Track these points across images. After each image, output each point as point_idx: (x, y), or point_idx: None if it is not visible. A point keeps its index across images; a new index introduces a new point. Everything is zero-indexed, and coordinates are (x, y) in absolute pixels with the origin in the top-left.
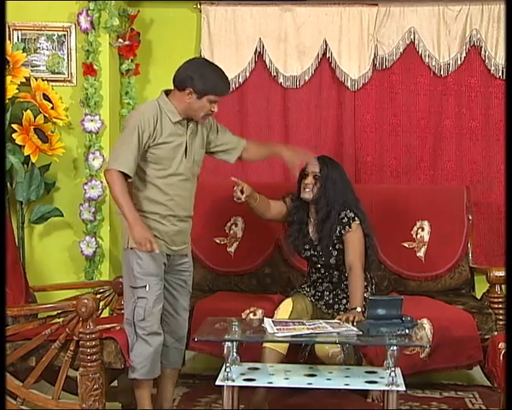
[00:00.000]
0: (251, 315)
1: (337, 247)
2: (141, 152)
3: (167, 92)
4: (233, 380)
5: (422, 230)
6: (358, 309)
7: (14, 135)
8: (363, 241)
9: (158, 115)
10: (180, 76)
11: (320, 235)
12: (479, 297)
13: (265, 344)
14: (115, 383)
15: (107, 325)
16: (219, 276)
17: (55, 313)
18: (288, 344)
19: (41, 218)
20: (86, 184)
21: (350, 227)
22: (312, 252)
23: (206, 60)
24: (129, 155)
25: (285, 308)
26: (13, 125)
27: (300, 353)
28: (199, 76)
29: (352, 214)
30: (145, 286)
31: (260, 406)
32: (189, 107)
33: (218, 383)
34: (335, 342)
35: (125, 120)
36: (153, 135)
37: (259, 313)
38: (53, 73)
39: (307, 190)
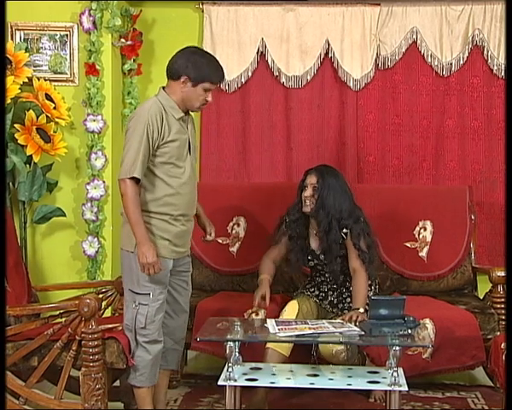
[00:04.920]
0: (253, 315)
1: (341, 253)
2: (152, 152)
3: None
4: (235, 380)
5: (425, 230)
6: (361, 310)
7: (16, 135)
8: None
9: (163, 113)
10: (174, 65)
11: (324, 246)
12: (481, 297)
13: (268, 345)
14: (117, 383)
15: (110, 325)
16: (221, 276)
17: (57, 312)
18: (291, 346)
19: (43, 218)
20: (88, 183)
21: (358, 239)
22: (316, 262)
23: (199, 48)
24: (142, 162)
25: (291, 310)
26: (15, 125)
27: (312, 355)
28: (193, 63)
29: (348, 222)
30: (149, 294)
31: (260, 406)
32: (185, 96)
33: (220, 383)
34: (338, 342)
35: (128, 122)
36: (161, 133)
37: (262, 312)
38: (55, 72)
39: (307, 202)
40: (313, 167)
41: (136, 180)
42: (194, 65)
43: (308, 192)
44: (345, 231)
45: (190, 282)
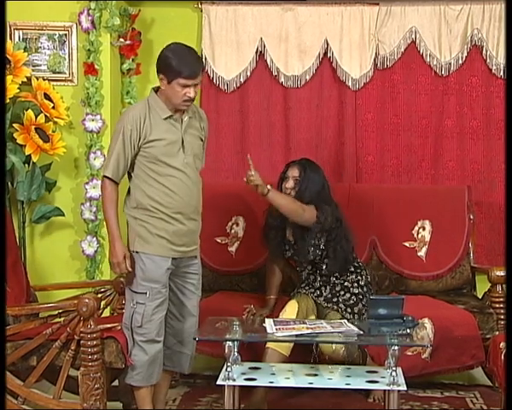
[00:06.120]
0: (250, 315)
1: (312, 242)
2: (132, 153)
3: (157, 89)
4: (234, 380)
5: (424, 229)
6: (269, 187)
7: (15, 134)
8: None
9: (146, 113)
10: (156, 64)
11: (297, 235)
12: (480, 297)
13: (268, 345)
14: (116, 383)
15: (108, 325)
16: (220, 275)
17: (56, 312)
18: (290, 346)
19: (42, 217)
20: (87, 183)
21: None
22: (292, 251)
23: (175, 44)
24: (115, 160)
25: (291, 309)
26: (14, 125)
27: (314, 354)
28: (165, 61)
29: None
30: (145, 292)
31: (259, 406)
32: (165, 94)
33: (219, 382)
34: (337, 342)
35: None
36: (141, 134)
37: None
38: (54, 72)
39: (288, 193)
40: (295, 160)
41: (114, 180)
42: (166, 62)
43: (290, 184)
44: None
45: (200, 286)
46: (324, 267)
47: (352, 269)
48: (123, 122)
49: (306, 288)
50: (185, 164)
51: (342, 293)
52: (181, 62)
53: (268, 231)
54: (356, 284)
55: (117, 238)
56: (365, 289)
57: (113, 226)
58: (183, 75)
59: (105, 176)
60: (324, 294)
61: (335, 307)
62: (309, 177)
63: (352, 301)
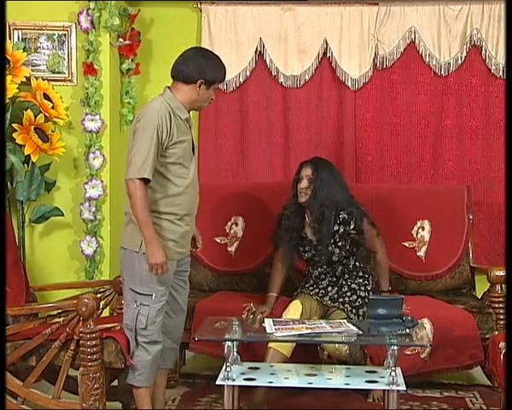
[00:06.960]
0: (250, 314)
1: (339, 244)
2: (160, 153)
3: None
4: (233, 380)
5: (423, 229)
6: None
7: (14, 134)
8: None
9: (170, 113)
10: (187, 69)
11: (319, 236)
12: (479, 297)
13: (270, 345)
14: (115, 383)
15: (108, 325)
16: (220, 275)
17: (55, 312)
18: (292, 346)
19: (41, 217)
20: (87, 183)
21: (360, 221)
22: (314, 252)
23: (205, 49)
24: (150, 160)
25: (295, 309)
26: (13, 125)
27: (320, 352)
28: (210, 66)
29: (348, 211)
30: (151, 295)
31: (259, 406)
32: (197, 98)
33: (218, 382)
34: (336, 342)
35: (136, 121)
36: (170, 134)
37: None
38: (53, 72)
39: (303, 193)
40: (308, 160)
41: (146, 181)
42: (211, 67)
43: (304, 184)
44: (341, 217)
45: (188, 281)
46: (340, 268)
47: (361, 273)
48: (153, 121)
49: (310, 288)
50: (195, 165)
51: (349, 294)
52: (221, 67)
53: (283, 234)
54: (363, 288)
55: (158, 240)
56: (371, 293)
57: (152, 229)
58: (222, 79)
59: (141, 178)
60: (330, 294)
61: (341, 306)
62: (322, 175)
63: (357, 303)
